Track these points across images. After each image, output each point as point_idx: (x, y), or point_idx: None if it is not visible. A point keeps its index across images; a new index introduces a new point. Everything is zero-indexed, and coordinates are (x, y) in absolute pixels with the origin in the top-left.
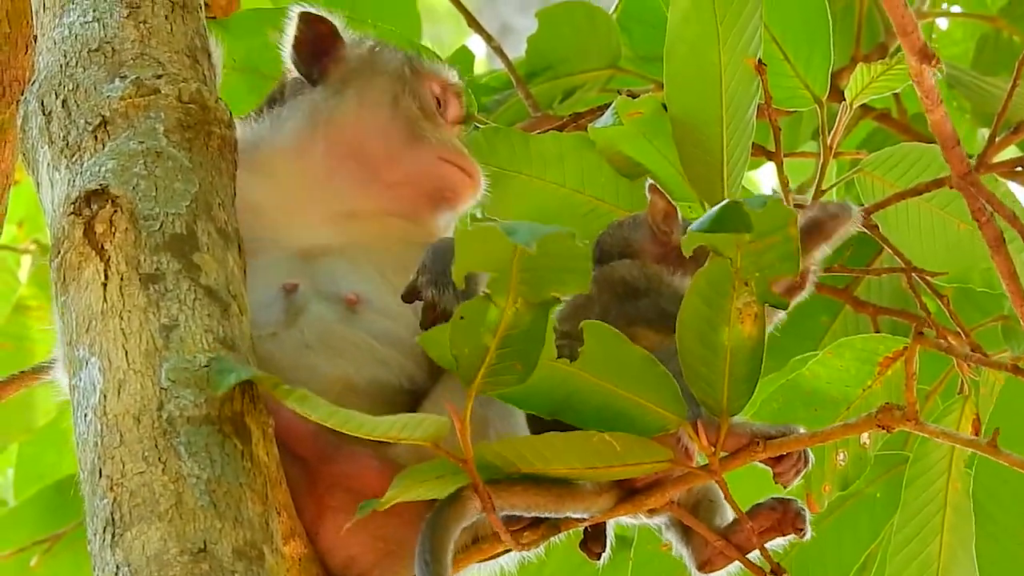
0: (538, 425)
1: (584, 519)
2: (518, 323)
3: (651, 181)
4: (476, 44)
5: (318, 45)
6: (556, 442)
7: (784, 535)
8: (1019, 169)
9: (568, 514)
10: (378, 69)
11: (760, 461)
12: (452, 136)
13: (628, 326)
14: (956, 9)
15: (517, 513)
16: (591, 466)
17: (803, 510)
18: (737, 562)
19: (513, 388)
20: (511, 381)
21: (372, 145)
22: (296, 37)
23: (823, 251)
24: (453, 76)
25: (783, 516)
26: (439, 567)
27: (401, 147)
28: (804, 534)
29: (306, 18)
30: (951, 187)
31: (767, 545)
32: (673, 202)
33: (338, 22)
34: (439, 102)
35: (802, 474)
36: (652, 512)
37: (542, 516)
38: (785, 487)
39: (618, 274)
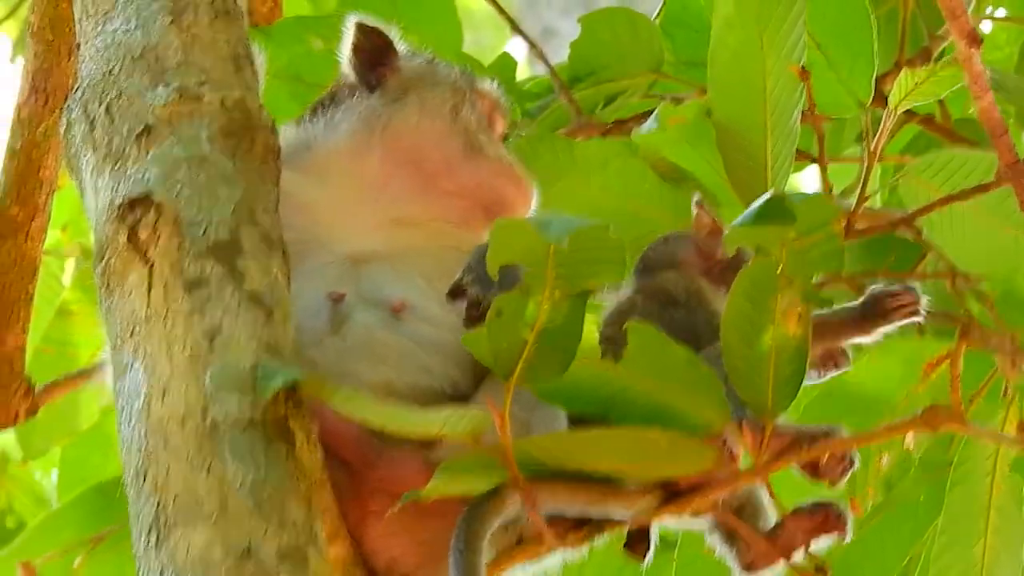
0: (581, 426)
1: (628, 519)
2: (555, 316)
3: (698, 197)
4: (517, 47)
5: (375, 54)
6: (600, 439)
7: (826, 534)
8: None
9: (611, 513)
10: (438, 80)
11: (805, 462)
12: (504, 151)
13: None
14: (1000, 12)
15: (559, 511)
16: (635, 464)
17: (845, 512)
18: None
19: (557, 387)
20: (550, 374)
21: (431, 153)
22: (355, 45)
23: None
24: (501, 94)
25: (825, 518)
26: (473, 557)
27: (460, 157)
28: (845, 536)
29: (363, 28)
30: (998, 176)
31: (811, 548)
32: (719, 219)
33: (393, 34)
34: (488, 119)
35: (848, 475)
36: (696, 514)
37: (585, 515)
38: (831, 486)
39: (661, 284)
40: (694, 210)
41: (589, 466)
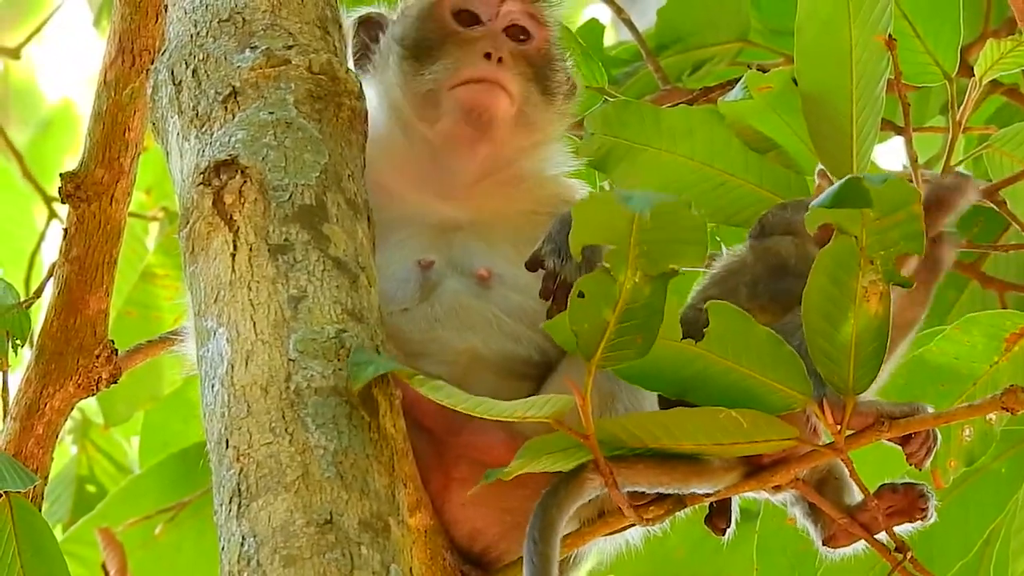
0: (664, 405)
1: (710, 494)
2: (637, 296)
3: (821, 167)
4: (602, 12)
5: (370, 38)
6: (683, 418)
7: (909, 519)
8: None
9: (693, 489)
10: (392, 33)
11: (887, 440)
12: (484, 46)
13: (771, 301)
14: None
15: (641, 489)
16: (718, 442)
17: (928, 494)
18: (862, 540)
19: (639, 367)
20: (631, 355)
21: (407, 115)
22: (354, 42)
23: (948, 224)
24: None
25: (908, 498)
26: (546, 548)
27: (423, 101)
28: (927, 517)
29: (360, 20)
30: None
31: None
32: None
33: (387, 13)
34: (459, 14)
35: (933, 453)
36: (777, 489)
37: (667, 492)
38: (919, 468)
39: (775, 248)
40: (816, 179)
41: (671, 445)
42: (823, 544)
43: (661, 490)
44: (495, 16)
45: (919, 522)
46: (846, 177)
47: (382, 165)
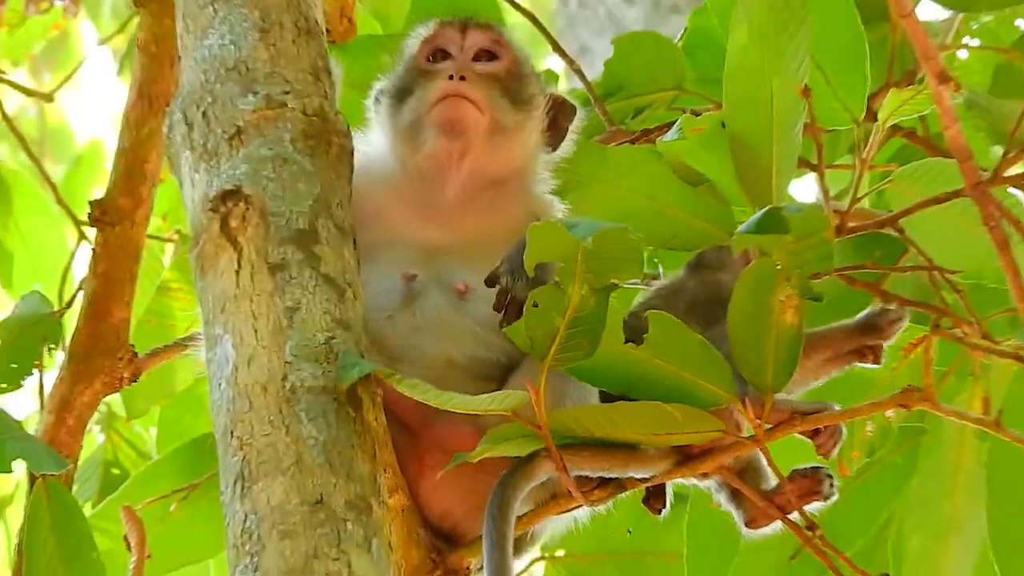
0: (606, 400)
1: (647, 479)
2: (584, 306)
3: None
4: (556, 63)
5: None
6: (624, 411)
7: (816, 498)
8: None
9: (632, 474)
10: (381, 88)
11: (800, 433)
12: (447, 70)
13: (701, 319)
14: (975, 42)
15: (587, 473)
16: (654, 433)
17: (831, 476)
18: (778, 520)
19: (588, 368)
20: (579, 356)
21: (398, 149)
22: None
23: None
24: (427, 28)
25: (814, 480)
26: (503, 523)
27: (407, 132)
28: (831, 498)
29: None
30: (965, 195)
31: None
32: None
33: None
34: (432, 56)
35: (839, 445)
36: (705, 476)
37: (609, 476)
38: (826, 458)
39: (711, 278)
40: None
41: (613, 435)
42: (745, 526)
43: (604, 474)
44: (461, 49)
45: (826, 500)
46: (767, 207)
47: (378, 193)
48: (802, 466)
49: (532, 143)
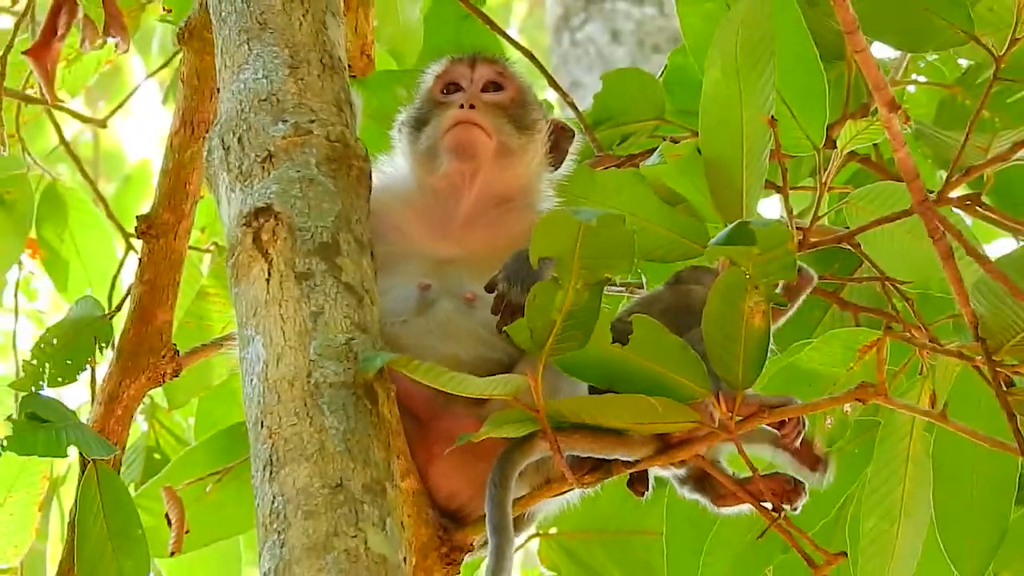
0: (593, 394)
1: (631, 464)
2: (578, 300)
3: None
4: (551, 95)
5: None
6: (612, 401)
7: (784, 502)
8: (968, 203)
9: (618, 457)
10: (400, 120)
11: (766, 424)
12: (458, 100)
13: (674, 324)
14: (922, 79)
15: (577, 453)
16: (638, 422)
17: (804, 491)
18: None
19: (579, 363)
20: (574, 346)
21: (417, 172)
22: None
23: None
24: (440, 64)
25: (794, 489)
26: (503, 492)
27: (424, 158)
28: (798, 507)
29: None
30: (912, 212)
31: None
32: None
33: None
34: (445, 89)
35: (802, 435)
36: (683, 463)
37: (597, 457)
38: (790, 448)
39: (688, 292)
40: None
41: (602, 422)
42: (713, 503)
43: (592, 454)
44: (471, 81)
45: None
46: (736, 222)
47: (397, 211)
48: (773, 472)
49: (535, 164)
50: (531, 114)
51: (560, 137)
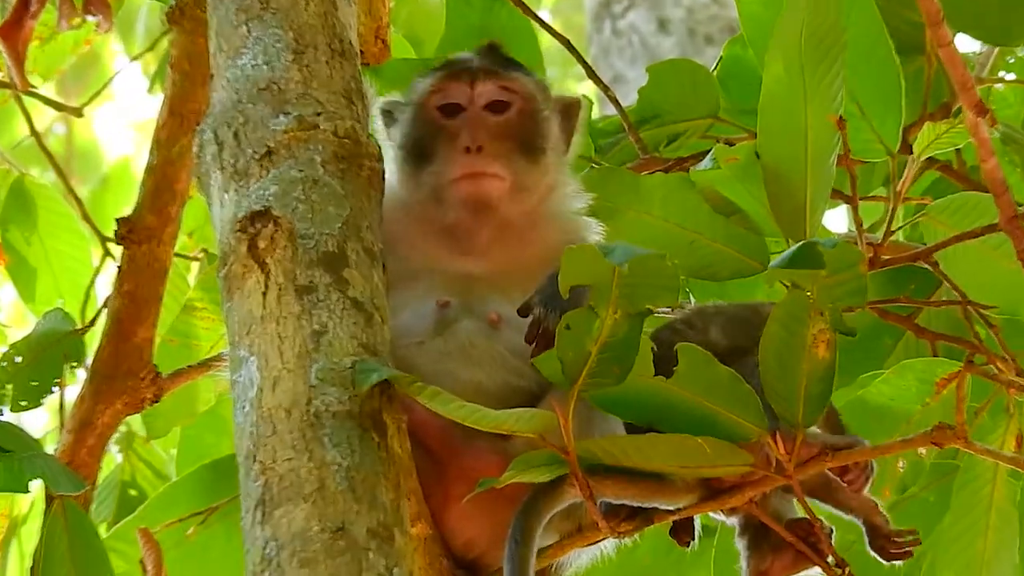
0: (634, 433)
1: (673, 512)
2: (616, 331)
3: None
4: (589, 90)
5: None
6: (652, 442)
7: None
8: None
9: (657, 505)
10: (391, 136)
11: (830, 470)
12: (463, 140)
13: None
14: (1010, 76)
15: (609, 500)
16: (683, 465)
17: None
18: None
19: (615, 398)
20: (610, 383)
21: (424, 198)
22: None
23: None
24: (434, 78)
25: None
26: (525, 550)
27: (428, 198)
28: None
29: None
30: (999, 228)
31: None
32: None
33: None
34: (443, 108)
35: (870, 481)
36: (733, 511)
37: (634, 505)
38: (857, 495)
39: (760, 309)
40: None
41: (641, 465)
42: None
43: (626, 502)
44: (471, 100)
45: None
46: (802, 242)
47: (410, 223)
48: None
49: (554, 171)
50: (541, 127)
51: (568, 114)
